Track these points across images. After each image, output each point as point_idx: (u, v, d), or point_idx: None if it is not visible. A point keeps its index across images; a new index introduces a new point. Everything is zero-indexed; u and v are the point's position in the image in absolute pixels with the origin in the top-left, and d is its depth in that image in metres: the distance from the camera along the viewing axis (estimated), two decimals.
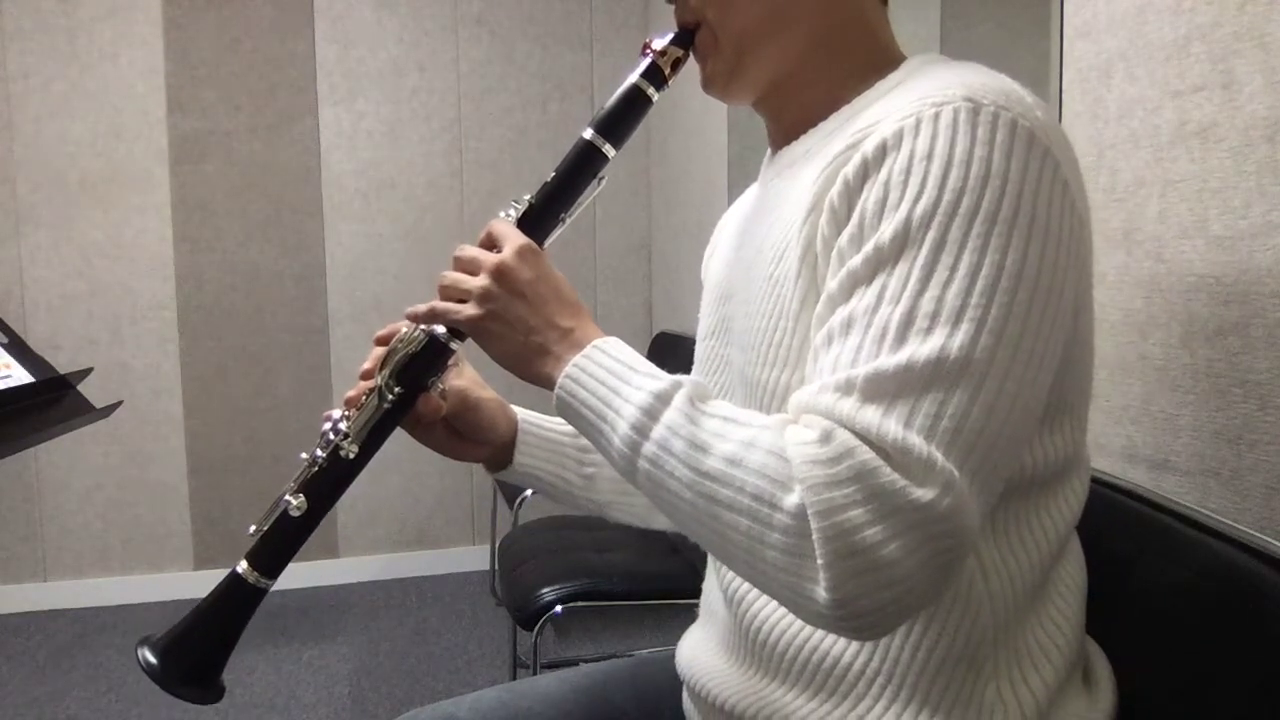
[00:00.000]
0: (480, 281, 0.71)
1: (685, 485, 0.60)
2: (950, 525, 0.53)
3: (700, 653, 0.83)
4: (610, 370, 0.66)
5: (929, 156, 0.59)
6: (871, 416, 0.55)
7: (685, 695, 0.86)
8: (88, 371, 1.46)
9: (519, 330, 0.70)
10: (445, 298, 0.74)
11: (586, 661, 1.06)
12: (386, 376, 0.78)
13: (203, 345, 3.06)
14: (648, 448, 0.62)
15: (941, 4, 1.59)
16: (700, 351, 0.88)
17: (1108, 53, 1.05)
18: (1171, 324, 0.96)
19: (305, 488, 0.77)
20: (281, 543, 0.77)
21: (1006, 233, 0.57)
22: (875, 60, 0.74)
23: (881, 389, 0.55)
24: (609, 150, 0.77)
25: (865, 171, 0.62)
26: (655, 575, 1.88)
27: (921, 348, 0.56)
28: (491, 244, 0.75)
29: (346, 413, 0.80)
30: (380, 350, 0.82)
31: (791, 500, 0.54)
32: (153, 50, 2.96)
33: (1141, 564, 0.81)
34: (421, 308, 0.75)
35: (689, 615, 0.92)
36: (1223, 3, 0.88)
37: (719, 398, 0.82)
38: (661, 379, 0.64)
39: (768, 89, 0.78)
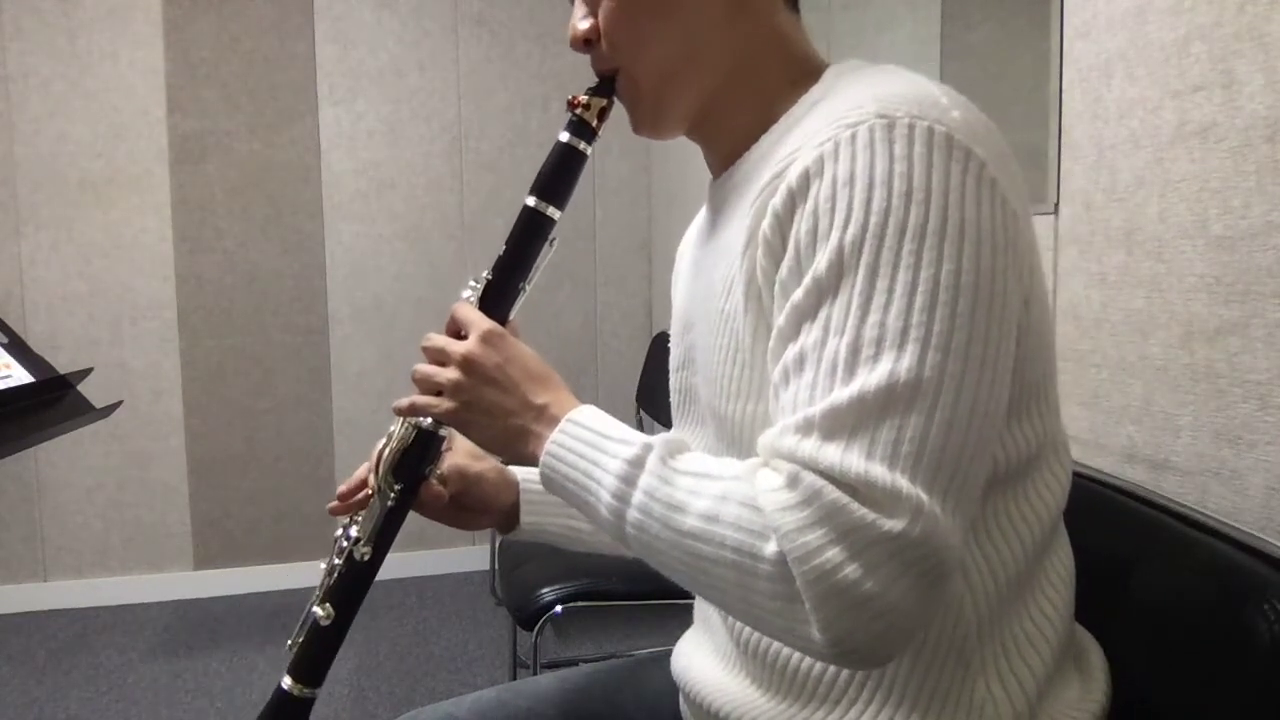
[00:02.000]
0: (450, 374, 0.73)
1: (671, 546, 0.61)
2: (927, 548, 0.54)
3: (695, 659, 0.83)
4: (587, 442, 0.67)
5: (850, 180, 0.58)
6: (833, 454, 0.55)
7: (681, 700, 0.87)
8: (88, 371, 1.46)
9: (497, 416, 0.72)
10: (421, 390, 0.76)
11: (586, 661, 1.06)
12: (385, 475, 0.80)
13: (203, 345, 3.06)
14: (631, 514, 0.63)
15: (942, 5, 1.59)
16: (672, 382, 0.89)
17: (1108, 53, 1.05)
18: (1171, 324, 0.96)
19: (329, 596, 0.81)
20: (318, 652, 0.81)
21: (937, 245, 0.57)
22: (796, 74, 0.74)
23: (839, 424, 0.56)
24: (554, 213, 0.78)
25: (792, 202, 0.62)
26: (655, 575, 1.87)
27: (871, 376, 0.56)
28: (457, 328, 0.77)
29: (355, 517, 0.83)
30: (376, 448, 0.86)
31: (770, 549, 0.56)
32: (153, 50, 2.96)
33: (1141, 564, 0.81)
34: (403, 402, 0.77)
35: (688, 615, 0.92)
36: (1223, 3, 0.88)
37: (693, 428, 0.83)
38: (633, 443, 0.65)
39: (696, 121, 0.78)
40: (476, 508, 0.92)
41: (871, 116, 0.59)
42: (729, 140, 0.77)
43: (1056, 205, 1.17)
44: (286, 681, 0.80)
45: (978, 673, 0.67)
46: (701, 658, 0.83)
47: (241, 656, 2.62)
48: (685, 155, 2.93)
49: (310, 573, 3.38)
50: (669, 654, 0.91)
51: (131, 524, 3.04)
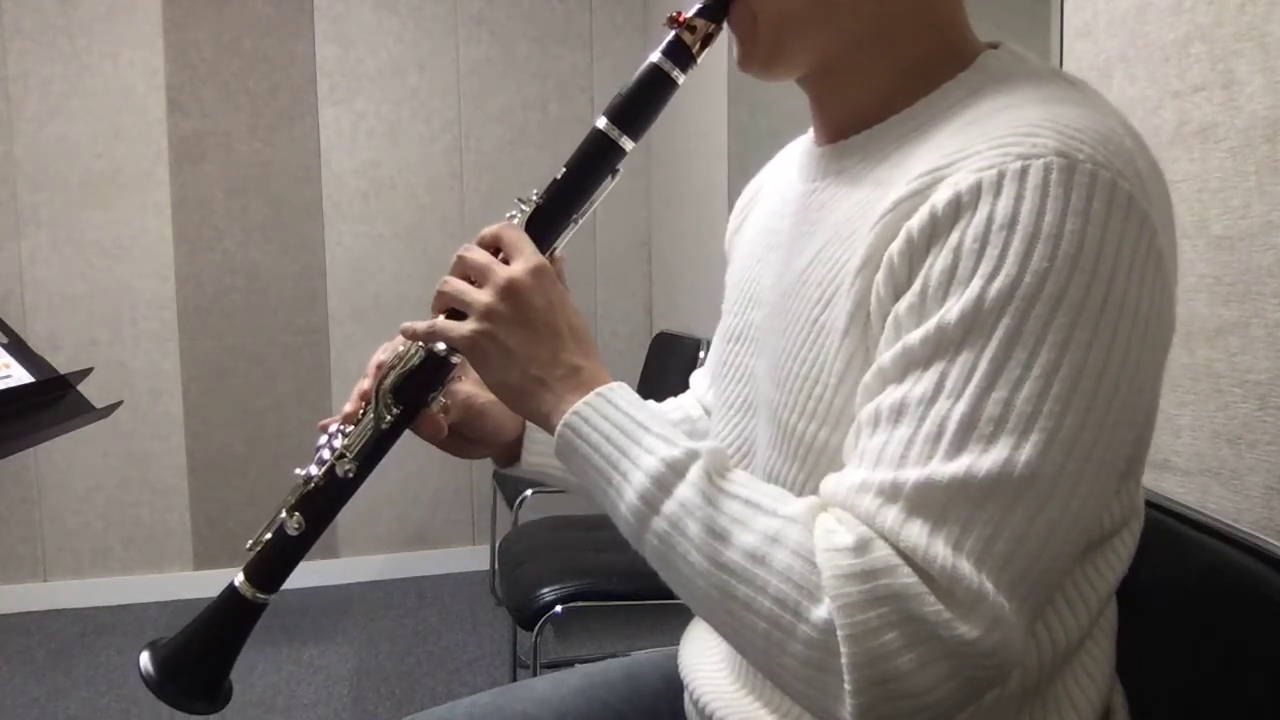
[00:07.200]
0: (485, 298, 0.65)
1: (699, 573, 0.56)
2: (993, 660, 0.49)
3: (705, 663, 0.81)
4: (618, 425, 0.61)
5: (1010, 224, 0.50)
6: (918, 534, 0.49)
7: (686, 699, 0.86)
8: (88, 371, 1.46)
9: (519, 361, 0.64)
10: (442, 306, 0.68)
11: (586, 661, 1.06)
12: (385, 393, 0.73)
13: (203, 345, 3.06)
14: (657, 523, 0.57)
15: None
16: (720, 352, 0.81)
17: (1108, 53, 1.05)
18: None
19: (302, 506, 0.74)
20: (279, 560, 0.75)
21: (1092, 325, 0.50)
22: (942, 57, 0.64)
23: (931, 501, 0.50)
24: (626, 143, 0.68)
25: (933, 229, 0.53)
26: (655, 574, 1.88)
27: (982, 459, 0.49)
28: (498, 249, 0.68)
29: (343, 428, 0.75)
30: (378, 367, 0.79)
31: (819, 614, 0.50)
32: (153, 50, 2.96)
33: (1142, 564, 0.81)
34: (419, 326, 0.69)
35: (688, 614, 0.92)
36: (1223, 3, 0.88)
37: (738, 409, 0.76)
38: (675, 445, 0.59)
39: (813, 73, 0.69)
40: (476, 439, 0.85)
41: (1050, 152, 0.51)
42: (847, 106, 0.68)
43: None
44: (239, 579, 0.74)
45: None
46: (712, 663, 0.80)
47: (241, 656, 2.62)
48: (685, 156, 2.92)
49: (309, 573, 3.36)
50: (665, 654, 0.90)
51: (131, 524, 3.04)
